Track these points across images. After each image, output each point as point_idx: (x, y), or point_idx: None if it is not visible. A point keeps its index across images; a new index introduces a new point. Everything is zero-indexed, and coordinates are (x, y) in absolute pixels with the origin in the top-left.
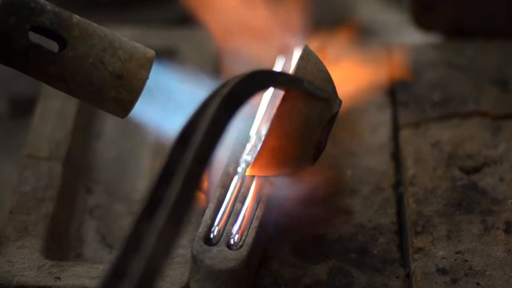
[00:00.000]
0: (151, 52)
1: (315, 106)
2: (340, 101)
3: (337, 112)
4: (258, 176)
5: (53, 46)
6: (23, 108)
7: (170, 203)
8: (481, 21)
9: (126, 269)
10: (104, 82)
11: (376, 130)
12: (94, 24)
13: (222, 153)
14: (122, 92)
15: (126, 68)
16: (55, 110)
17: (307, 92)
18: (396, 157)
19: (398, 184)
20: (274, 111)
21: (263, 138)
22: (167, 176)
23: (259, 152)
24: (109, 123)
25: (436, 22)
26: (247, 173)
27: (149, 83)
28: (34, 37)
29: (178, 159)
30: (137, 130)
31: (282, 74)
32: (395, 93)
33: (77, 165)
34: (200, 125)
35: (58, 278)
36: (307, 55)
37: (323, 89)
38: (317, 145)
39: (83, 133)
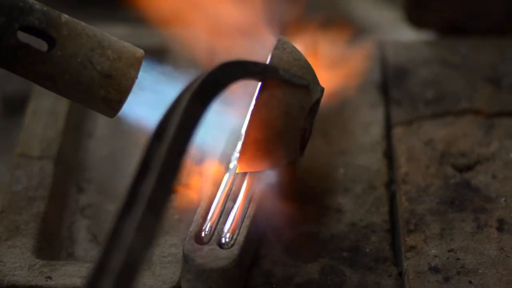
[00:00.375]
0: (140, 52)
1: (294, 93)
2: (322, 89)
3: (319, 99)
4: (250, 174)
5: (43, 45)
6: (15, 107)
7: (147, 195)
8: (475, 18)
9: (109, 265)
10: (93, 81)
11: (369, 128)
12: (83, 23)
13: (214, 152)
14: (111, 91)
15: (115, 67)
16: (46, 109)
17: (283, 79)
18: (389, 155)
19: (390, 183)
20: (253, 101)
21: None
22: (145, 172)
23: (243, 145)
24: (100, 122)
25: (429, 20)
26: (237, 171)
27: (139, 81)
28: (23, 36)
29: (154, 154)
30: (129, 129)
31: (255, 64)
32: (388, 90)
33: (69, 164)
34: (173, 118)
35: (49, 277)
36: (282, 45)
37: (301, 77)
38: (302, 133)
39: (74, 132)
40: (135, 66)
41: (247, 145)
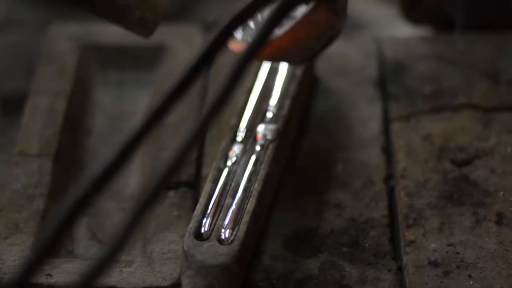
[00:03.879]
0: None
1: (332, 25)
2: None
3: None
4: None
5: None
6: (13, 106)
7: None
8: (471, 14)
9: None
10: (130, 3)
11: (367, 123)
12: None
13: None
14: (147, 13)
15: None
16: (45, 107)
17: (333, 10)
18: (387, 150)
19: (389, 178)
20: (299, 16)
21: (276, 34)
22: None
23: (268, 44)
24: (99, 119)
25: (426, 15)
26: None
27: None
28: None
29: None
30: (127, 126)
31: None
32: (386, 86)
33: (68, 162)
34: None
35: (49, 275)
36: None
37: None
38: (311, 53)
39: (73, 130)
40: None
41: (271, 48)
